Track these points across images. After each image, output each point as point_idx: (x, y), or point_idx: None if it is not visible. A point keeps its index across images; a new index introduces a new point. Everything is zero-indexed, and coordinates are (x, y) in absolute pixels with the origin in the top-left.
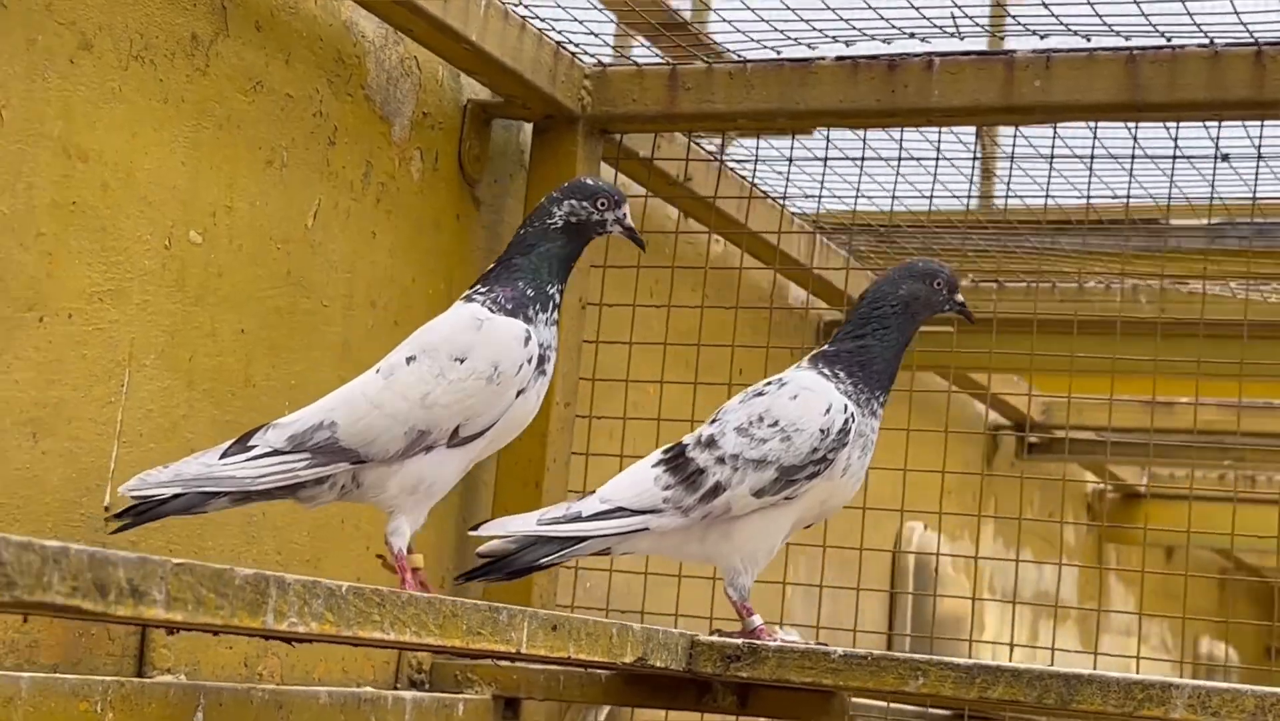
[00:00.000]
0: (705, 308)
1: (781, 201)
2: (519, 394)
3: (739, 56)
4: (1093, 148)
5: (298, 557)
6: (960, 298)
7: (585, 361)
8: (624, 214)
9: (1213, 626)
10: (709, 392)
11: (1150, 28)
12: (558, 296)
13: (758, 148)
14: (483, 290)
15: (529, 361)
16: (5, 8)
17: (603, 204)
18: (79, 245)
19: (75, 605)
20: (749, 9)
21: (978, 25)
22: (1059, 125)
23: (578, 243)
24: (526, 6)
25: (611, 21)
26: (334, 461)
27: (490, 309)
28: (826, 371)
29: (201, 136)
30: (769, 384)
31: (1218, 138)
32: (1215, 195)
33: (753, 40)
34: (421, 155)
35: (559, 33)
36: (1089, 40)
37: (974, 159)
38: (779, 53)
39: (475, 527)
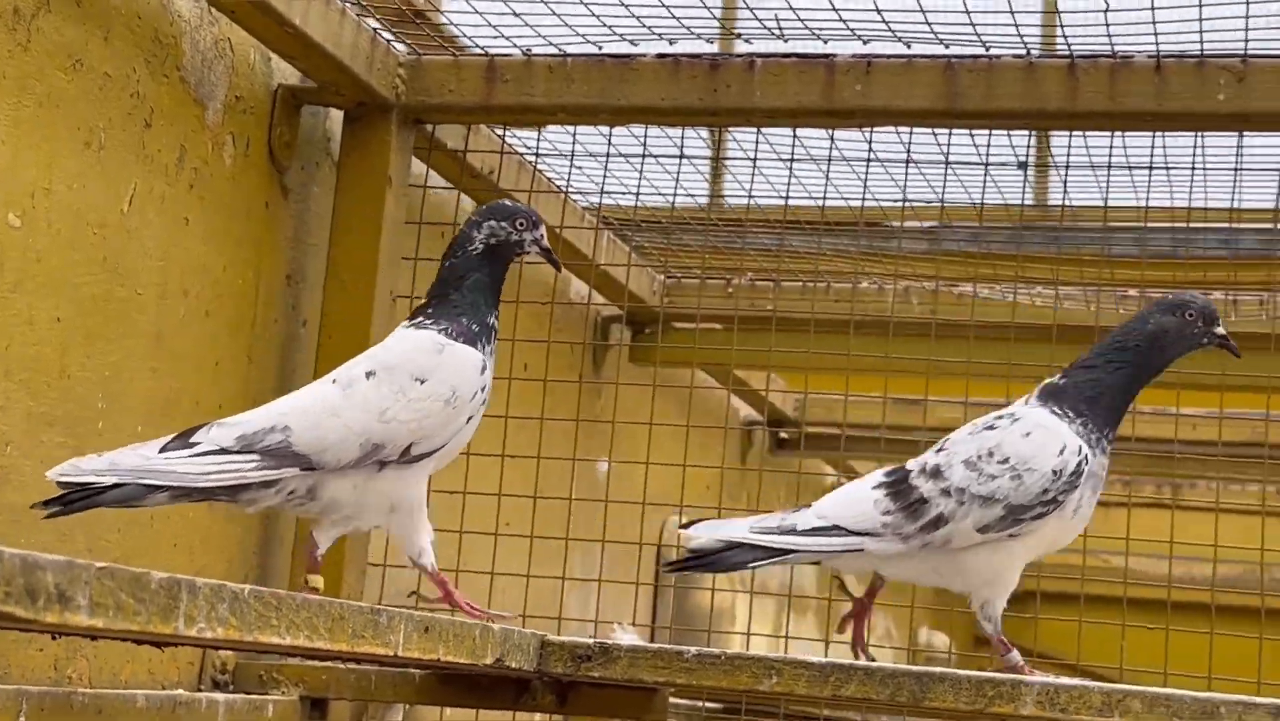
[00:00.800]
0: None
1: (564, 192)
2: (469, 420)
3: (559, 50)
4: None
5: (107, 556)
6: (1221, 330)
7: None
8: (541, 235)
9: (931, 616)
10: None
11: (973, 36)
12: (495, 324)
13: (539, 141)
14: (430, 320)
15: (481, 390)
16: None
17: (521, 224)
18: None
19: (9, 611)
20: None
21: (806, 28)
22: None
23: (499, 265)
24: None
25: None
26: (284, 466)
27: (441, 335)
28: (1057, 410)
29: (22, 114)
30: (1000, 417)
31: (988, 146)
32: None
33: (577, 34)
34: (234, 140)
35: (375, 19)
36: (909, 46)
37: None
38: (600, 48)
39: (687, 526)
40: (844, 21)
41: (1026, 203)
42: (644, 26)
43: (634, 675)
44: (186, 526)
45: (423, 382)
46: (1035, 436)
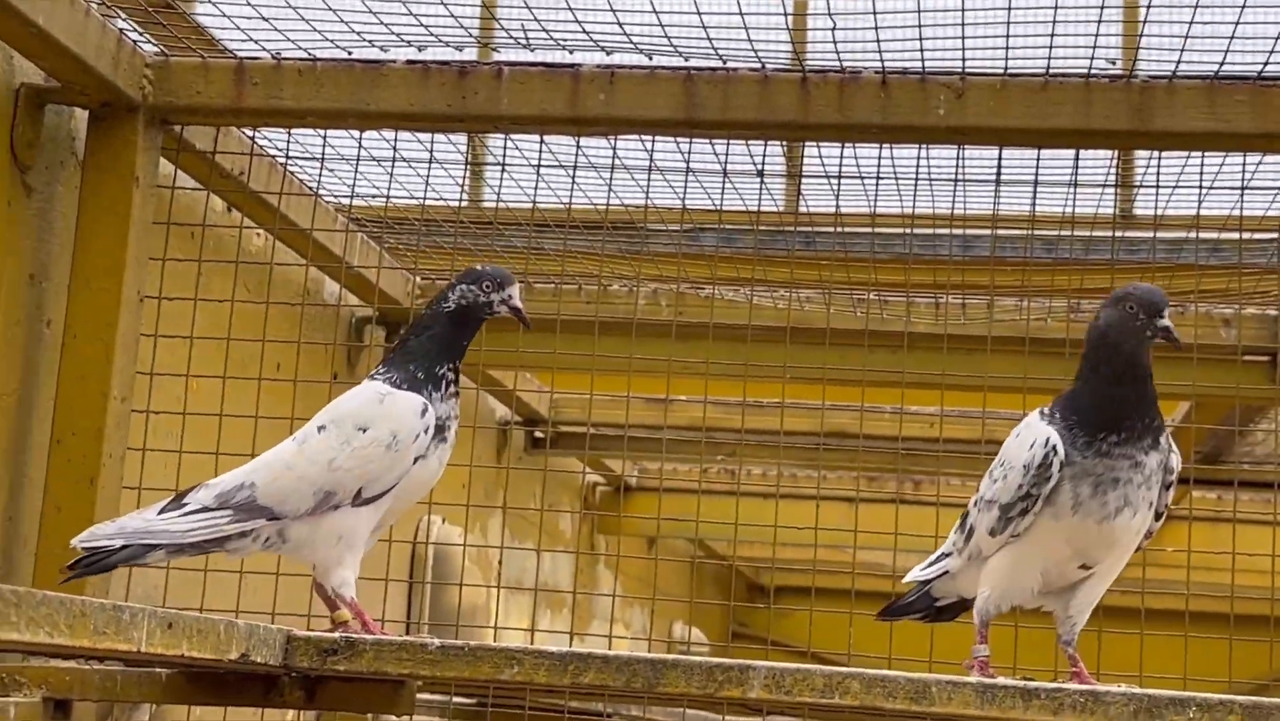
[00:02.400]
0: (236, 301)
1: (315, 194)
2: (417, 460)
3: (309, 54)
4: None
5: None
6: (1164, 322)
7: (144, 356)
8: (509, 294)
9: (684, 611)
10: (239, 386)
11: (710, 50)
12: (450, 374)
13: (288, 143)
14: (383, 371)
15: (424, 432)
16: None
17: (487, 286)
18: None
19: None
20: (325, 5)
21: (551, 39)
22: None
23: (467, 324)
24: None
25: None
26: (253, 518)
27: (387, 385)
28: (1046, 411)
29: None
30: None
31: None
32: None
33: (326, 39)
34: None
35: (123, 19)
36: (651, 58)
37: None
38: (350, 53)
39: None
40: (587, 33)
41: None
42: (393, 34)
43: (379, 668)
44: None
45: (365, 431)
46: (1020, 436)
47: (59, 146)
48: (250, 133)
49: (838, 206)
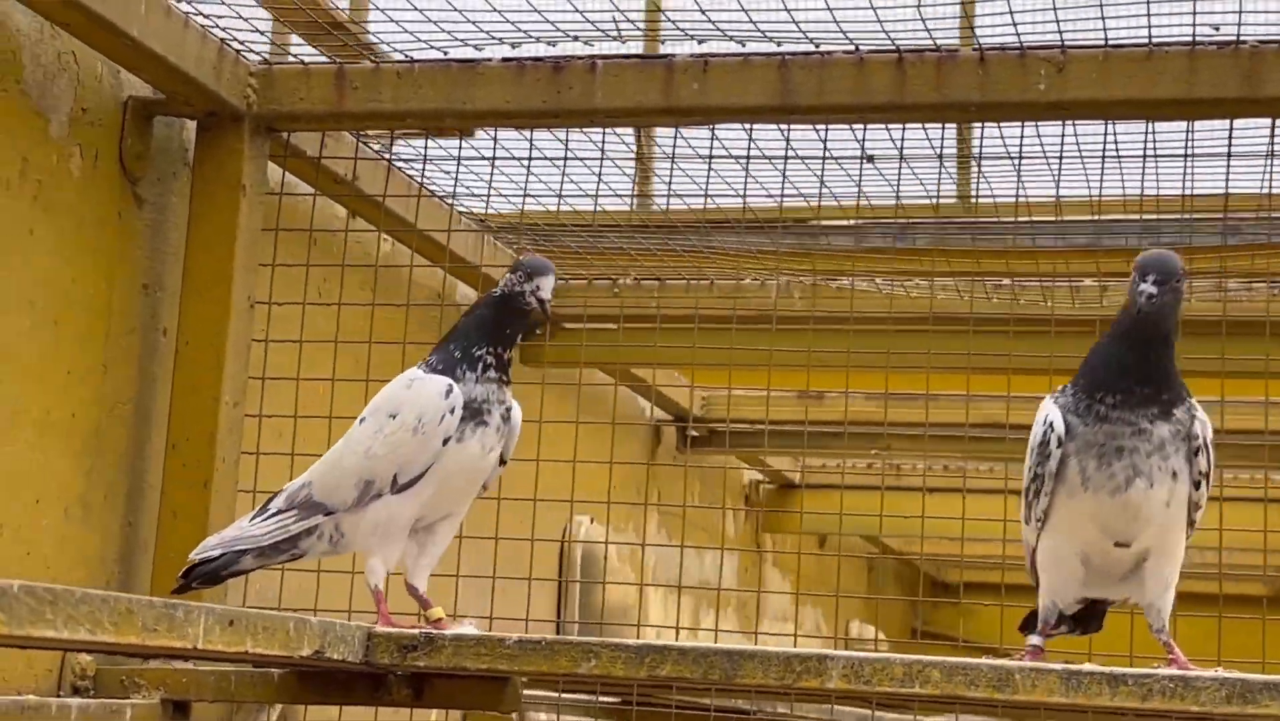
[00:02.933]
0: (376, 305)
1: (450, 201)
2: (446, 441)
3: (406, 56)
4: (749, 149)
5: None
6: (1145, 288)
7: (256, 360)
8: (537, 286)
9: (862, 609)
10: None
11: (800, 34)
12: (488, 357)
13: (426, 147)
14: (425, 359)
15: (450, 412)
16: None
17: (520, 276)
18: None
19: None
20: (416, 9)
21: (638, 29)
22: (717, 127)
23: (507, 312)
24: (190, 3)
25: (273, 20)
26: (312, 514)
27: (424, 370)
28: (1060, 387)
29: None
30: None
31: (864, 140)
32: (863, 195)
33: (420, 40)
34: (81, 152)
35: (222, 30)
36: (744, 45)
37: (635, 160)
38: (446, 53)
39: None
40: (676, 25)
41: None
42: (485, 33)
43: (458, 663)
44: (41, 535)
45: (394, 417)
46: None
47: (171, 157)
48: (373, 140)
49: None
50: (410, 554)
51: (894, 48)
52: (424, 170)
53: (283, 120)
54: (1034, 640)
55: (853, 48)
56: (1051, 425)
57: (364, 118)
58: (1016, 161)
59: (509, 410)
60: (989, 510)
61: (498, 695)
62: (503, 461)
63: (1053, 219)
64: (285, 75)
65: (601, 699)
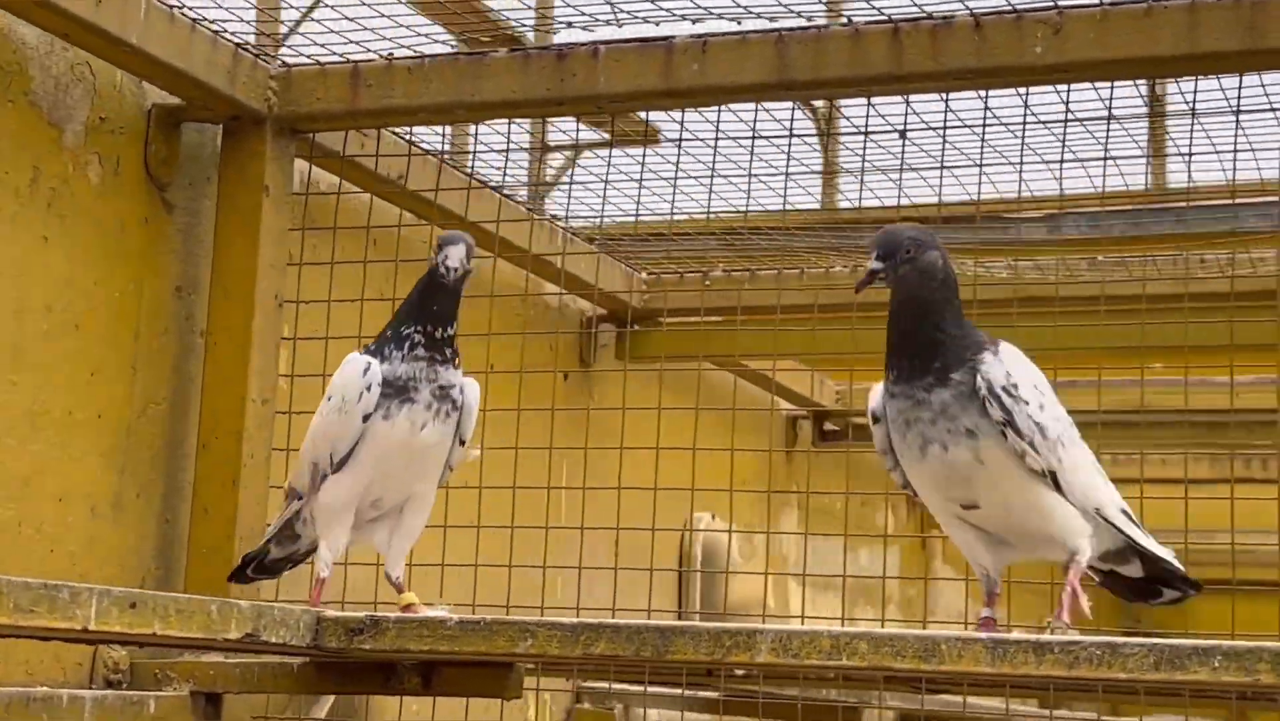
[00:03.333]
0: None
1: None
2: (366, 418)
3: (417, 52)
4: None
5: None
6: (873, 265)
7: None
8: (446, 255)
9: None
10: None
11: (791, 13)
12: (416, 335)
13: (507, 136)
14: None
15: (368, 390)
16: None
17: (434, 249)
18: None
19: None
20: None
21: (635, 17)
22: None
23: (430, 288)
24: (188, 9)
25: (302, 20)
26: (292, 501)
27: (359, 353)
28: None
29: None
30: None
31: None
32: None
33: (425, 37)
34: (100, 160)
35: (246, 32)
36: (740, 24)
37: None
38: (455, 47)
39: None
40: (671, 12)
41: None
42: (491, 22)
43: (401, 645)
44: (66, 532)
45: (329, 399)
46: None
47: (203, 162)
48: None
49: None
50: (380, 542)
51: (888, 19)
52: (505, 168)
53: (303, 121)
54: (983, 612)
55: (846, 20)
56: (870, 406)
57: (379, 114)
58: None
59: (457, 389)
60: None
61: (502, 682)
62: (461, 441)
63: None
64: (303, 76)
65: (696, 693)
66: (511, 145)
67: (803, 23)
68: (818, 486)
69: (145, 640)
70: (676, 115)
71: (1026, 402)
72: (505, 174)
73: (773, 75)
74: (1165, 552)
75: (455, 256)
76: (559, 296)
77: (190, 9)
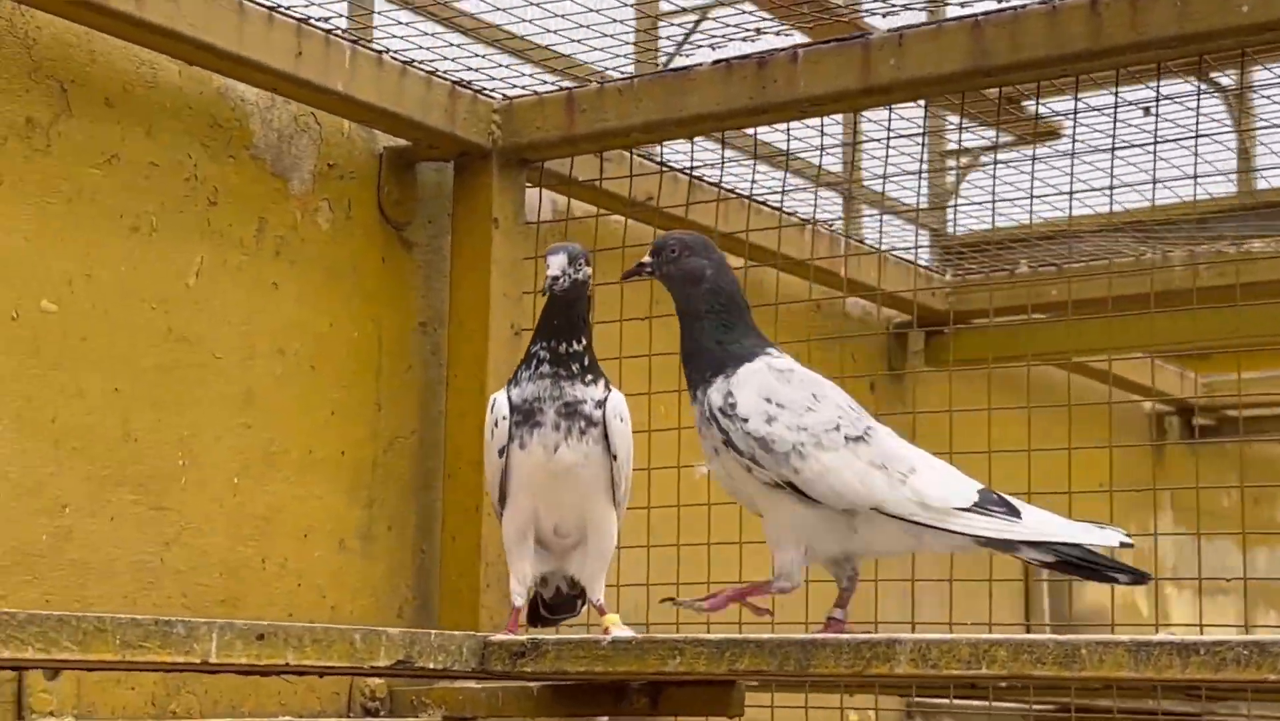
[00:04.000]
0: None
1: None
2: (502, 451)
3: (623, 73)
4: None
5: (209, 599)
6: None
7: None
8: (547, 265)
9: None
10: None
11: None
12: (541, 352)
13: (788, 140)
14: None
15: (496, 425)
16: None
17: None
18: None
19: None
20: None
21: (827, 16)
22: None
23: (549, 300)
24: (419, 49)
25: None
26: None
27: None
28: None
29: (49, 211)
30: None
31: None
32: None
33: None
34: (330, 205)
35: (474, 70)
36: (933, 13)
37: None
38: (660, 66)
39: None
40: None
41: None
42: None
43: (560, 667)
44: (312, 566)
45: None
46: None
47: (443, 200)
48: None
49: None
50: (575, 567)
51: None
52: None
53: (526, 151)
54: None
55: None
56: None
57: (594, 138)
58: None
59: (590, 404)
60: None
61: (725, 699)
62: (614, 456)
63: None
64: (523, 107)
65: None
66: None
67: (994, 5)
68: (1190, 483)
69: (279, 670)
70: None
71: (745, 420)
72: (785, 182)
73: (968, 62)
74: (1041, 534)
75: (556, 265)
76: (858, 304)
77: (398, 53)
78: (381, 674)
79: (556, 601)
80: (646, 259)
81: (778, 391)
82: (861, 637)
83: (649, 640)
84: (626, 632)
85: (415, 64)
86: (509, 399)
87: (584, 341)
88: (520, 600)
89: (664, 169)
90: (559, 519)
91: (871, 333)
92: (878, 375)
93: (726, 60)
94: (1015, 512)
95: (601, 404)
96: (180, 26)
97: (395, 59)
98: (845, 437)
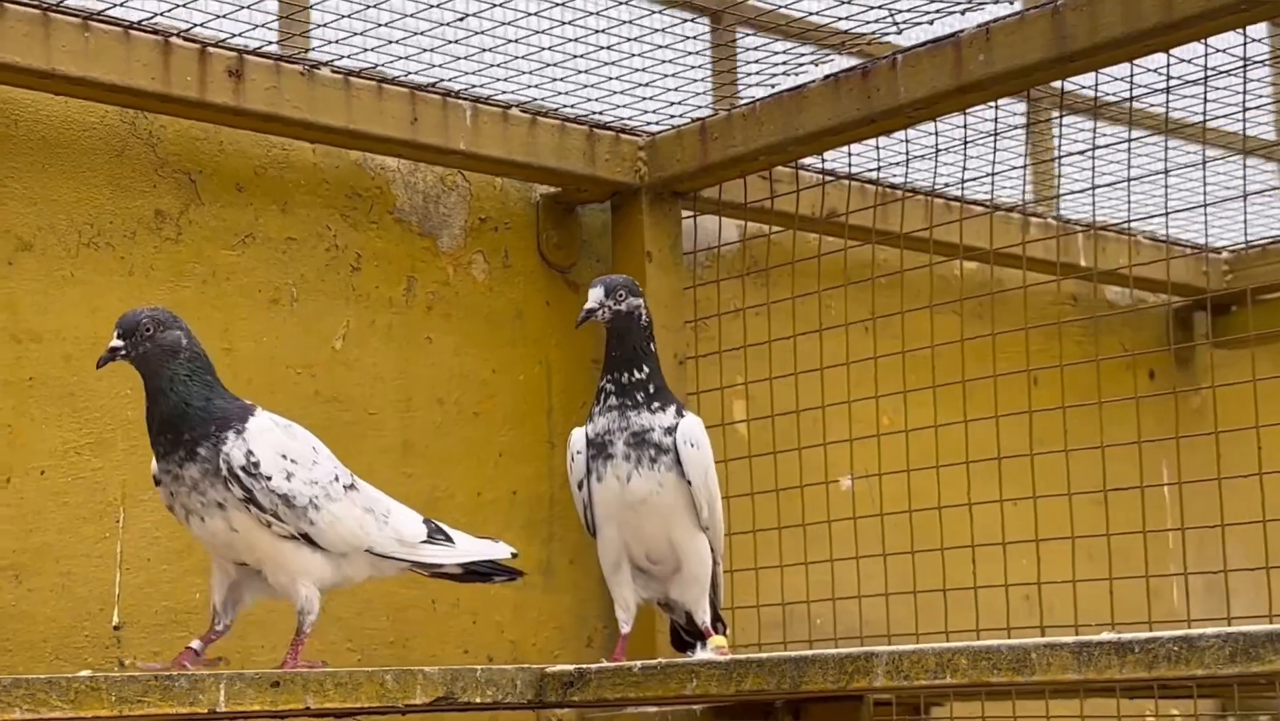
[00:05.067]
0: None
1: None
2: (581, 485)
3: (752, 98)
4: None
5: (377, 641)
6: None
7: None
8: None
9: None
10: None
11: None
12: (608, 385)
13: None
14: None
15: (573, 460)
16: None
17: None
18: (42, 413)
19: None
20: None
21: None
22: None
23: (606, 334)
24: (529, 102)
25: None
26: None
27: None
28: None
29: (183, 295)
30: None
31: None
32: None
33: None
34: (485, 257)
35: (617, 115)
36: (1013, 3)
37: None
38: (774, 86)
39: None
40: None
41: None
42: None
43: (599, 694)
44: (488, 604)
45: None
46: None
47: (607, 240)
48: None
49: None
50: (676, 594)
51: None
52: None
53: (669, 184)
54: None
55: None
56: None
57: (725, 165)
58: None
59: (657, 431)
60: None
61: (854, 715)
62: (689, 481)
63: None
64: (665, 142)
65: None
66: None
67: None
68: None
69: (299, 714)
70: None
71: (269, 478)
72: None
73: (1051, 50)
74: (471, 554)
75: (594, 298)
76: (1124, 293)
77: (534, 101)
78: (418, 710)
79: (692, 627)
80: (117, 343)
81: (291, 446)
82: (845, 653)
83: (670, 665)
84: (709, 655)
85: (548, 113)
86: (585, 434)
87: (646, 370)
88: (626, 627)
89: (850, 179)
90: (647, 547)
91: (1147, 308)
92: (1158, 362)
93: (834, 75)
94: (450, 539)
95: (671, 430)
96: (285, 111)
97: (524, 112)
98: (344, 487)
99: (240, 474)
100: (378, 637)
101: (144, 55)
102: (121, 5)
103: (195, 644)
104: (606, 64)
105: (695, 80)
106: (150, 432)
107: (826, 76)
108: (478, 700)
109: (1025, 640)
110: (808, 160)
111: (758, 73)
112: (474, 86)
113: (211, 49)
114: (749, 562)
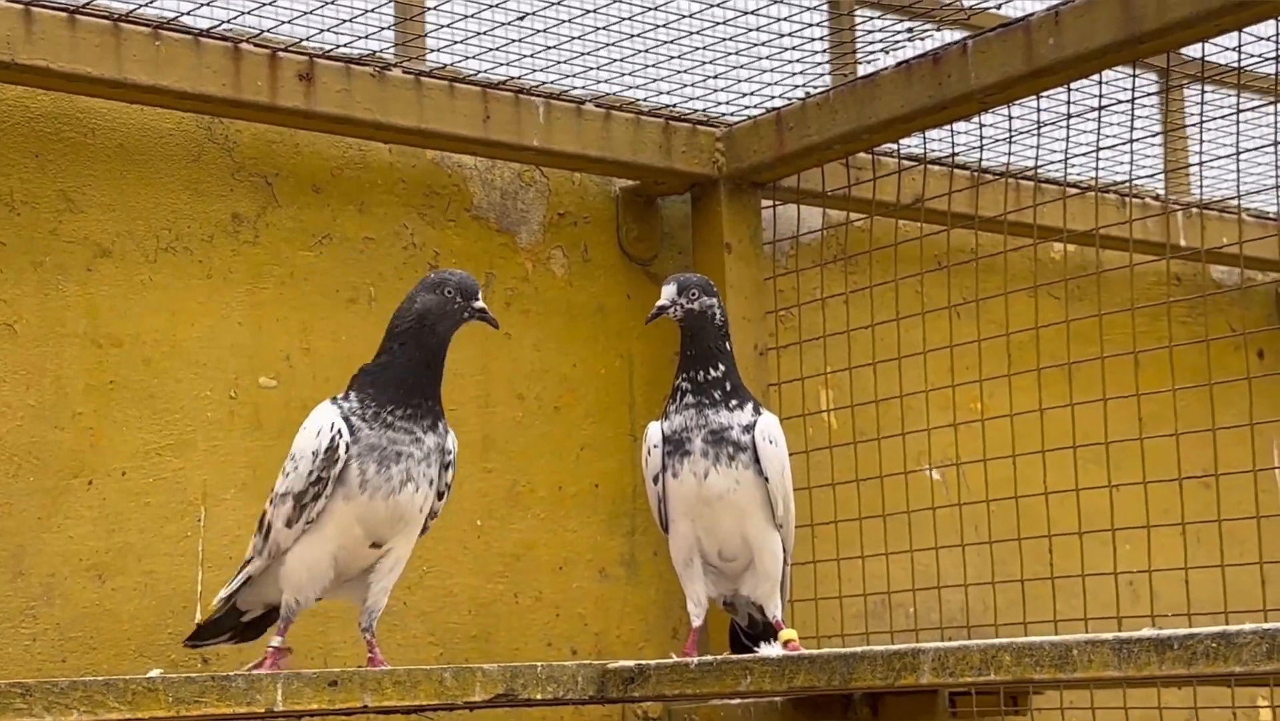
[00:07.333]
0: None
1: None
2: (656, 480)
3: (825, 87)
4: None
5: (459, 635)
6: (479, 304)
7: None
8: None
9: None
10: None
11: None
12: (683, 384)
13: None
14: None
15: (648, 454)
16: (4, 245)
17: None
18: (123, 415)
19: None
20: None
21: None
22: None
23: (681, 333)
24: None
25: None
26: None
27: None
28: (338, 396)
29: (261, 297)
30: None
31: None
32: None
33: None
34: (564, 252)
35: (691, 107)
36: None
37: None
38: (848, 76)
39: None
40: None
41: None
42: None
43: (658, 690)
44: (571, 596)
45: None
46: (308, 425)
47: (689, 231)
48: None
49: None
50: (747, 590)
51: None
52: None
53: (749, 175)
54: (274, 641)
55: None
56: (340, 431)
57: (801, 155)
58: None
59: (735, 430)
60: None
61: (930, 708)
62: (766, 478)
63: None
64: (742, 133)
65: None
66: None
67: None
68: None
69: (358, 712)
70: None
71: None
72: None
73: (1120, 32)
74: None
75: (666, 296)
76: (1231, 272)
77: (607, 96)
78: (478, 706)
79: (754, 631)
80: (484, 305)
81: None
82: (893, 649)
83: (725, 661)
84: (776, 651)
85: (622, 106)
86: (661, 430)
87: (722, 368)
88: (697, 621)
89: (954, 165)
90: (721, 543)
91: (1254, 285)
92: (1267, 341)
93: (907, 61)
94: None
95: (750, 428)
96: (357, 113)
97: (598, 106)
98: None
99: (450, 460)
100: (460, 631)
101: (214, 62)
102: (190, 14)
103: (276, 640)
104: (676, 56)
105: (766, 70)
106: (410, 388)
107: (899, 63)
108: (538, 696)
109: (1067, 636)
110: (889, 145)
111: (841, 56)
112: (545, 84)
113: (282, 53)
114: (848, 551)
